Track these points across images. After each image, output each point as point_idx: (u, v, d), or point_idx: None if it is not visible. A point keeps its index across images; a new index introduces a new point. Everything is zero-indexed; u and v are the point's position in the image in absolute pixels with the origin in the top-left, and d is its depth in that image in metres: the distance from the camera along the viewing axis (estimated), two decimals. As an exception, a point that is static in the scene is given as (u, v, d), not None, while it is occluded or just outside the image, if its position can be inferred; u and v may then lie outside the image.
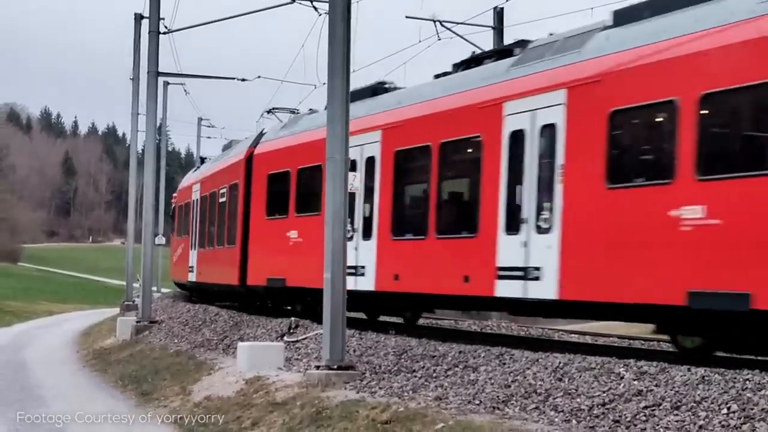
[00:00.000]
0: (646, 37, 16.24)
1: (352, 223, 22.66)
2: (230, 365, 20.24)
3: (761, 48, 13.97)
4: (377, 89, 25.81)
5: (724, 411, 10.55)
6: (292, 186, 27.50)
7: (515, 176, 18.38)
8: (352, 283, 21.05)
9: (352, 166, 22.36)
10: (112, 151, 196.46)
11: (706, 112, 14.73)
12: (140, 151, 47.21)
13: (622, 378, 12.64)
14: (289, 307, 27.82)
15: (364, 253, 23.04)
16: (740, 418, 10.26)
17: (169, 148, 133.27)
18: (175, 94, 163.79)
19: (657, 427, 10.56)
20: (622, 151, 16.63)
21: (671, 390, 11.61)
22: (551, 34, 19.62)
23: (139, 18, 39.46)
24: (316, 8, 27.37)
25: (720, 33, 14.72)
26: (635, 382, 12.26)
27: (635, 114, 16.36)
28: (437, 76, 23.25)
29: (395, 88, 25.48)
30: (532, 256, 17.64)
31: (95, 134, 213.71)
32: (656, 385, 11.94)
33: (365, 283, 22.75)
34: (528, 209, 17.89)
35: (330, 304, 16.47)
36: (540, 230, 17.53)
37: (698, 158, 14.65)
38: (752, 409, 10.43)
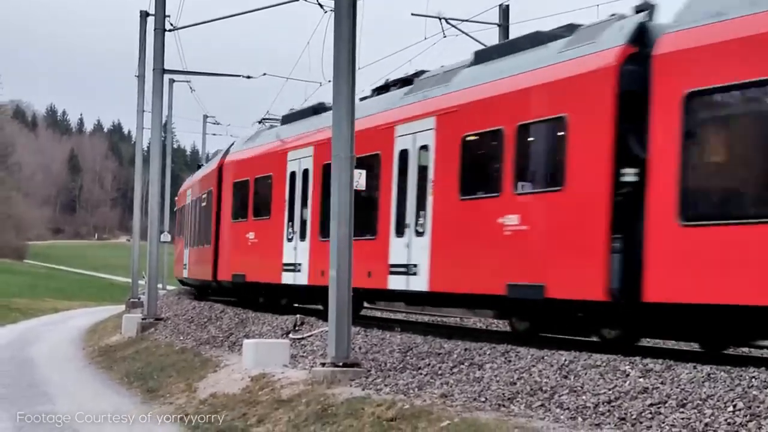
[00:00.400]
0: (489, 75, 20.07)
1: (292, 226, 27.60)
2: (236, 362, 20.27)
3: (554, 89, 17.75)
4: (318, 109, 29.26)
5: (730, 409, 10.55)
6: (251, 193, 31.77)
7: (402, 188, 22.07)
8: (292, 279, 27.11)
9: (292, 178, 27.74)
10: (118, 149, 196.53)
11: (521, 139, 18.49)
12: (146, 149, 47.16)
13: (627, 375, 12.64)
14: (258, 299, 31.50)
15: (301, 252, 26.83)
16: (746, 416, 10.26)
17: (175, 146, 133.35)
18: (181, 91, 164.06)
19: (663, 425, 10.56)
20: (469, 169, 20.10)
21: (677, 387, 11.61)
22: (443, 66, 23.24)
23: (144, 15, 39.48)
24: (321, 5, 27.41)
25: (531, 75, 18.56)
26: (641, 380, 12.26)
27: (477, 139, 20.14)
28: (362, 99, 25.94)
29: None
30: (412, 256, 21.28)
31: (101, 131, 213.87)
32: (662, 383, 11.94)
33: (302, 278, 26.53)
34: (410, 216, 21.63)
35: (335, 301, 16.48)
36: (417, 234, 21.21)
37: (515, 176, 18.48)
38: (758, 407, 10.43)
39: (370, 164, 22.36)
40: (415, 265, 21.07)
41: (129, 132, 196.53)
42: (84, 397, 20.16)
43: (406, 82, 24.47)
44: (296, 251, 26.96)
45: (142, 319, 32.80)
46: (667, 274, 15.01)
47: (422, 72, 24.15)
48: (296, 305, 30.43)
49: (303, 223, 26.95)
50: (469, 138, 20.03)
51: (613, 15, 17.83)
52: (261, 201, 30.71)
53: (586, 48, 17.30)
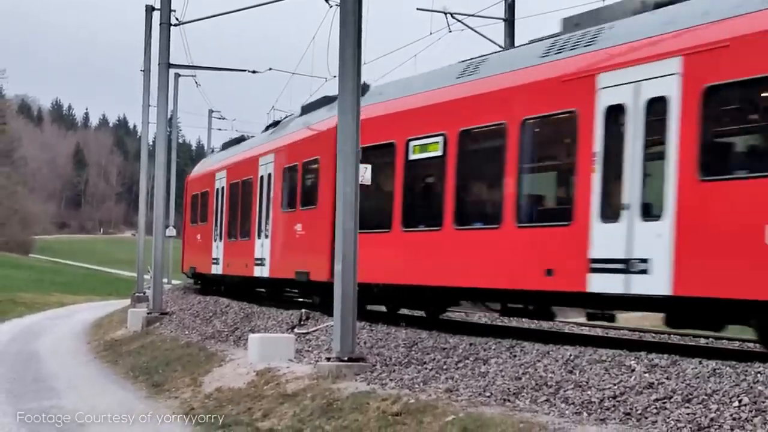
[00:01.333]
0: (293, 127, 29.71)
1: (261, 226, 30.67)
2: (241, 357, 20.28)
3: (314, 139, 26.28)
4: (268, 126, 36.53)
5: (736, 404, 10.54)
6: (199, 203, 41.20)
7: (261, 203, 30.55)
8: (259, 272, 30.39)
9: (249, 184, 32.35)
10: (123, 143, 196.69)
11: (305, 171, 27.10)
12: (151, 143, 47.20)
13: (633, 370, 12.63)
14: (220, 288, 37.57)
15: (265, 248, 29.96)
16: (751, 411, 10.25)
17: (180, 140, 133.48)
18: (186, 86, 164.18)
19: (668, 420, 10.55)
20: (287, 189, 28.63)
21: (682, 383, 11.60)
22: (292, 113, 31.63)
23: (150, 10, 39.46)
24: (327, 0, 27.39)
25: (306, 129, 27.71)
26: (646, 375, 12.26)
27: (289, 170, 28.33)
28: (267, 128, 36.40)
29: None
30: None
31: (106, 126, 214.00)
32: (667, 378, 11.93)
33: (265, 271, 29.97)
34: (263, 223, 29.63)
35: (341, 296, 16.48)
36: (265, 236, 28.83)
37: (302, 196, 27.23)
38: (764, 402, 10.42)
39: (249, 184, 32.26)
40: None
41: (134, 126, 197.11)
42: (89, 392, 20.18)
43: (275, 124, 34.06)
44: (262, 248, 30.55)
45: (148, 313, 32.84)
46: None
47: (287, 116, 32.85)
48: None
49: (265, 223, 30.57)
50: (286, 168, 28.57)
51: None
52: (203, 209, 41.43)
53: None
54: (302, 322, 22.46)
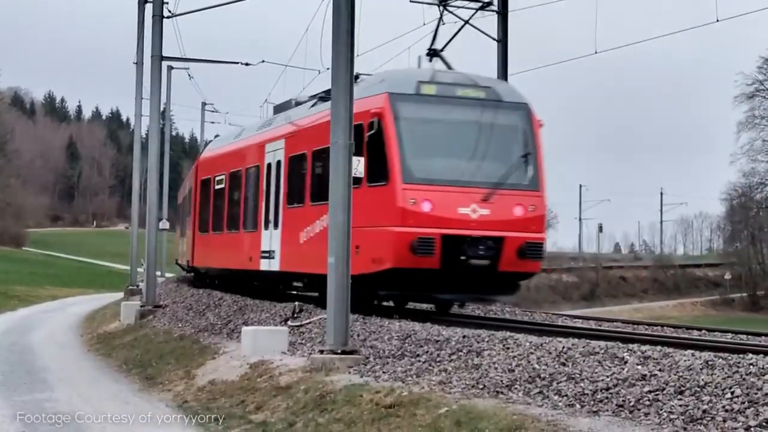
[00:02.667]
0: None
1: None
2: (234, 349, 20.29)
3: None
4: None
5: (728, 395, 10.55)
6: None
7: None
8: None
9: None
10: (116, 136, 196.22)
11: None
12: (144, 136, 47.15)
13: (625, 362, 12.65)
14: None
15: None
16: (744, 403, 10.25)
17: (173, 133, 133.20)
18: (179, 78, 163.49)
19: (660, 412, 10.56)
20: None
21: (675, 374, 11.61)
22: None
23: (143, 2, 39.31)
24: (320, -8, 27.30)
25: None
26: (639, 367, 12.27)
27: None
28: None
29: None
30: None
31: (99, 119, 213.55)
32: (660, 370, 11.94)
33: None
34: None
35: (334, 288, 16.48)
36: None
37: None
38: (756, 393, 10.43)
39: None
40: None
41: (127, 119, 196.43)
42: (83, 385, 20.17)
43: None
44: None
45: (141, 306, 32.83)
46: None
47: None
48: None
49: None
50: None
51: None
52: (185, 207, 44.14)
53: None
54: (295, 315, 22.44)
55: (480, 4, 29.26)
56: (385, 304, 23.64)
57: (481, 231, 20.41)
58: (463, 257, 20.21)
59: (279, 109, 31.33)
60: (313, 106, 26.47)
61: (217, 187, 33.93)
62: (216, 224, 34.27)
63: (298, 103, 28.74)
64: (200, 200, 36.72)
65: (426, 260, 19.57)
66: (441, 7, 25.22)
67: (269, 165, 27.79)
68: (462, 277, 20.49)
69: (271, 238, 27.15)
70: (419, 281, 20.12)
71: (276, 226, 26.91)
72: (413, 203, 20.08)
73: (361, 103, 19.92)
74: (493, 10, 33.47)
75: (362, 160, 19.49)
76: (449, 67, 24.28)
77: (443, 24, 27.47)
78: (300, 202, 25.26)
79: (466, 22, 29.25)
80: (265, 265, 27.67)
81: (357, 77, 21.16)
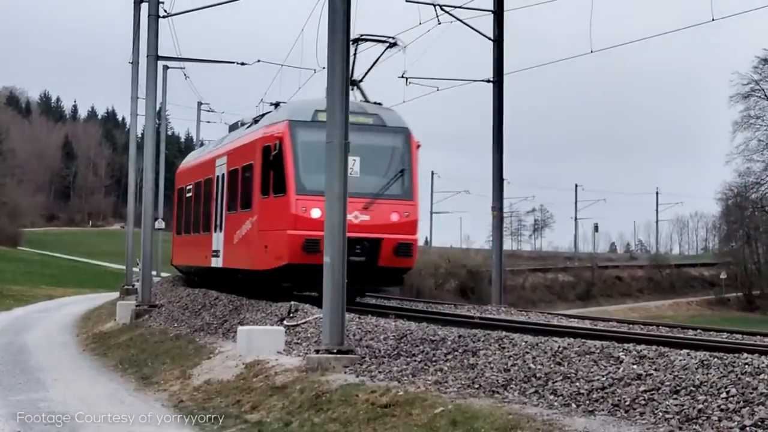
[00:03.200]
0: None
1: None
2: (230, 349, 20.28)
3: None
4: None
5: (723, 395, 10.57)
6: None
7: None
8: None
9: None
10: (112, 136, 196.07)
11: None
12: (140, 136, 47.09)
13: (621, 362, 12.67)
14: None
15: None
16: (739, 402, 10.27)
17: (169, 132, 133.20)
18: (175, 78, 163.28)
19: (656, 411, 10.57)
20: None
21: (670, 374, 11.63)
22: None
23: (138, 1, 39.39)
24: (316, -9, 27.28)
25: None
26: (634, 366, 12.29)
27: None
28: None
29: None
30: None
31: (95, 118, 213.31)
32: (655, 369, 11.96)
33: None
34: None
35: (330, 288, 16.47)
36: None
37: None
38: (751, 393, 10.45)
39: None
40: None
41: (123, 119, 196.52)
42: (78, 384, 20.14)
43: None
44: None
45: (136, 306, 32.81)
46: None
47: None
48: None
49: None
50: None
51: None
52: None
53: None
54: (291, 315, 22.43)
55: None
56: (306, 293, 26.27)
57: (362, 233, 24.34)
58: (349, 255, 20.19)
59: (231, 128, 36.35)
60: (248, 127, 31.08)
61: (187, 195, 38.14)
62: (186, 227, 38.31)
63: (242, 124, 33.26)
64: (177, 206, 41.11)
65: (315, 257, 21.45)
66: (354, 45, 27.40)
67: (218, 177, 32.07)
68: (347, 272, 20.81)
69: (218, 240, 31.42)
70: (311, 274, 22.01)
71: (221, 229, 31.20)
72: (304, 210, 24.50)
73: (271, 129, 26.17)
74: (486, 10, 33.56)
75: (358, 159, 20.62)
76: (365, 96, 28.33)
77: (439, 23, 29.10)
78: (234, 209, 29.63)
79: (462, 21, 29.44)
80: (214, 262, 31.85)
81: (277, 104, 29.67)
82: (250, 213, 27.24)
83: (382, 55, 28.63)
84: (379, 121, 26.04)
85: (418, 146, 26.31)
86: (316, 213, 23.68)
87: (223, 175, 31.05)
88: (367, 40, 28.30)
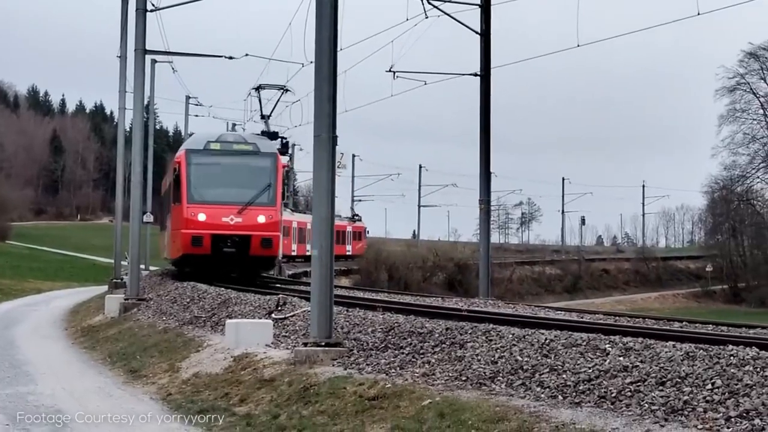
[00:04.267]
0: None
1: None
2: (218, 342, 20.31)
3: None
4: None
5: (709, 386, 10.64)
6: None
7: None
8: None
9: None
10: (100, 129, 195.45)
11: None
12: (128, 129, 47.06)
13: (607, 354, 12.73)
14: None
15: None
16: (724, 394, 10.34)
17: (157, 126, 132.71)
18: (163, 72, 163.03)
19: (642, 403, 10.64)
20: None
21: (656, 366, 11.70)
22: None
23: (126, -5, 39.27)
24: (303, -15, 27.38)
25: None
26: (621, 358, 12.35)
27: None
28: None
29: None
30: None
31: (83, 112, 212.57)
32: (641, 361, 12.03)
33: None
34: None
35: (318, 281, 16.52)
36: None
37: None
38: (736, 384, 10.52)
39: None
40: None
41: (111, 113, 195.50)
42: (66, 378, 20.14)
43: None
44: None
45: (125, 299, 32.80)
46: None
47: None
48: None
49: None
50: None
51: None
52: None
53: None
54: (279, 308, 22.47)
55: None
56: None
57: (237, 231, 33.11)
58: (225, 247, 33.13)
59: (188, 137, 47.01)
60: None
61: (163, 195, 45.00)
62: (162, 224, 45.28)
63: (189, 135, 42.25)
64: (158, 206, 49.25)
65: (202, 249, 33.12)
66: (257, 90, 41.25)
67: (167, 187, 38.31)
68: (225, 259, 33.57)
69: (164, 236, 39.58)
70: (202, 261, 33.88)
71: (166, 228, 38.54)
72: (193, 215, 33.18)
73: (178, 154, 35.36)
74: (474, 4, 33.61)
75: (344, 154, 21.38)
76: (268, 127, 40.32)
77: (426, 17, 29.90)
78: (169, 213, 37.32)
79: (449, 15, 29.56)
80: (165, 254, 40.51)
81: (191, 134, 40.67)
82: (170, 217, 36.66)
83: (280, 98, 40.89)
84: (255, 148, 34.49)
85: (285, 166, 36.08)
86: (201, 217, 33.02)
87: (169, 184, 38.05)
88: (266, 87, 40.57)
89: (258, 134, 37.76)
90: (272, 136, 39.95)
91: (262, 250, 33.34)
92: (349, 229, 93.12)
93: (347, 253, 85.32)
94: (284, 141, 41.04)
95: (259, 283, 34.58)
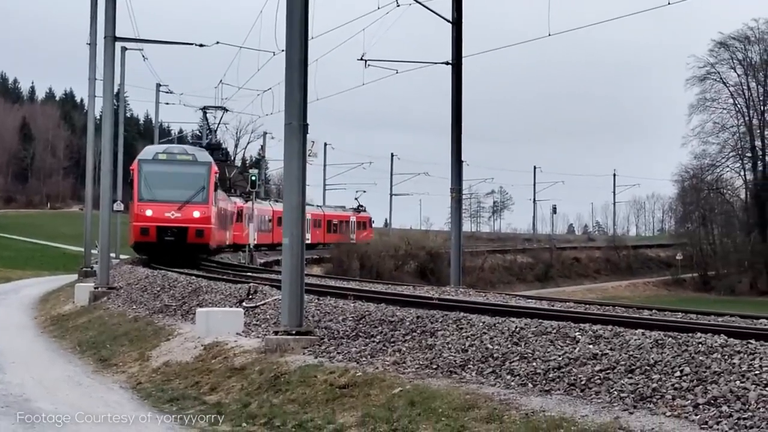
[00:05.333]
0: None
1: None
2: (189, 331, 20.28)
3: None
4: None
5: (677, 374, 10.71)
6: None
7: None
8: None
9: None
10: (70, 117, 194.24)
11: None
12: (98, 117, 46.83)
13: (577, 342, 12.79)
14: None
15: None
16: (693, 381, 10.41)
17: (128, 114, 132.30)
18: (134, 59, 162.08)
19: (611, 390, 10.70)
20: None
21: (625, 353, 11.77)
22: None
23: (96, -18, 39.04)
24: (274, -27, 27.32)
25: None
26: (590, 346, 12.41)
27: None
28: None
29: None
30: None
31: (53, 100, 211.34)
32: (611, 349, 12.09)
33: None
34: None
35: (288, 269, 16.51)
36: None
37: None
38: (704, 371, 10.59)
39: None
40: None
41: (81, 100, 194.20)
42: (36, 367, 20.05)
43: None
44: None
45: (95, 288, 32.68)
46: None
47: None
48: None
49: None
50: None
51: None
52: None
53: None
54: (250, 296, 22.46)
55: None
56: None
57: (177, 224, 39.62)
58: (167, 237, 39.65)
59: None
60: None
61: None
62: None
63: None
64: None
65: (149, 238, 39.92)
66: (203, 111, 55.13)
67: (129, 184, 44.29)
68: (168, 246, 40.02)
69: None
70: (150, 248, 40.98)
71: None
72: (142, 211, 39.97)
73: (133, 164, 41.91)
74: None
75: (315, 142, 21.18)
76: (217, 139, 57.79)
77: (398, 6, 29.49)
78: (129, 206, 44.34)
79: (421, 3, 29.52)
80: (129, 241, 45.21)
81: (146, 146, 47.39)
82: (129, 212, 43.46)
83: (222, 116, 54.74)
84: (194, 158, 41.76)
85: (216, 172, 42.11)
86: (148, 212, 39.74)
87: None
88: (209, 108, 53.85)
89: (199, 147, 47.69)
90: (217, 146, 54.36)
91: (196, 239, 40.27)
92: (352, 218, 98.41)
93: (351, 241, 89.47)
94: (224, 150, 57.34)
95: (200, 266, 41.48)
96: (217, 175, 42.64)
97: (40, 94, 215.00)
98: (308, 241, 75.00)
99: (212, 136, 55.81)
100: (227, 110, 51.51)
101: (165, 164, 41.22)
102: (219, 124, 55.28)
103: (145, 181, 40.51)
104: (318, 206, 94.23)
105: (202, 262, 43.63)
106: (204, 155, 42.82)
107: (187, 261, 40.49)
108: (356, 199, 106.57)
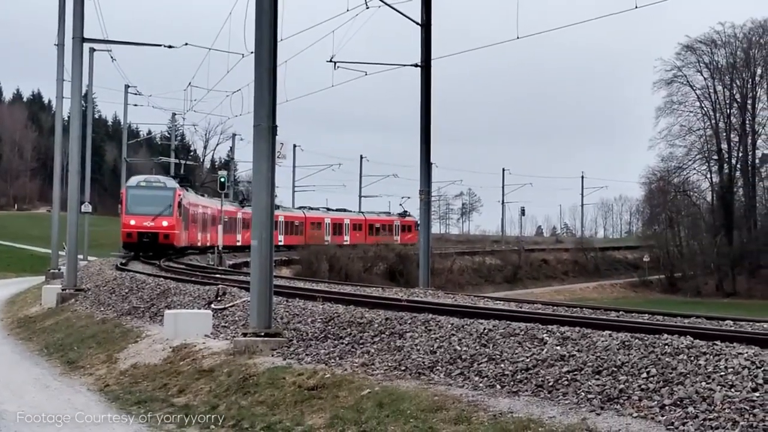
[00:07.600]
0: None
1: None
2: (157, 333, 20.23)
3: None
4: None
5: (644, 375, 10.78)
6: None
7: None
8: None
9: None
10: (38, 118, 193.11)
11: None
12: (66, 119, 46.59)
13: (545, 343, 12.85)
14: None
15: None
16: (659, 382, 10.48)
17: (96, 116, 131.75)
18: (103, 61, 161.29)
19: (578, 392, 10.76)
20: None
21: (593, 355, 11.83)
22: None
23: (63, -18, 38.85)
24: (243, -25, 27.34)
25: None
26: (558, 348, 12.48)
27: None
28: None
29: None
30: None
31: (20, 101, 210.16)
32: (578, 351, 12.16)
33: None
34: None
35: (257, 271, 16.51)
36: None
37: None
38: (671, 373, 10.67)
39: None
40: None
41: (49, 101, 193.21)
42: (2, 369, 19.97)
43: None
44: None
45: (62, 289, 32.53)
46: None
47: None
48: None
49: None
50: None
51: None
52: None
53: None
54: (219, 298, 22.42)
55: None
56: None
57: (151, 230, 52.65)
58: (144, 239, 52.59)
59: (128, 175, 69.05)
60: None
61: None
62: None
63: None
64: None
65: (133, 240, 53.02)
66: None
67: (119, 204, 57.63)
68: (146, 245, 52.77)
69: None
70: (133, 246, 53.23)
71: None
72: (128, 221, 52.88)
73: (122, 189, 56.70)
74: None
75: (284, 144, 21.38)
76: (186, 165, 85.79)
77: (367, 8, 29.56)
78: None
79: (389, 5, 29.58)
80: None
81: (132, 176, 61.94)
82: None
83: (187, 156, 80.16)
84: (164, 185, 55.01)
85: (179, 195, 54.69)
86: (132, 222, 52.95)
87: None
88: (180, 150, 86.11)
89: (171, 177, 63.68)
90: (185, 178, 65.19)
91: (164, 240, 53.88)
92: (396, 222, 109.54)
93: (395, 242, 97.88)
94: (190, 180, 70.61)
95: (169, 258, 53.30)
96: (181, 197, 55.78)
97: (7, 95, 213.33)
98: (347, 243, 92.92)
99: (180, 174, 71.60)
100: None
101: (144, 189, 54.90)
102: (184, 165, 76.10)
103: (129, 201, 54.28)
104: (360, 212, 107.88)
105: (170, 263, 49.69)
106: (172, 183, 57.13)
107: (159, 256, 52.53)
108: (401, 204, 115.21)
